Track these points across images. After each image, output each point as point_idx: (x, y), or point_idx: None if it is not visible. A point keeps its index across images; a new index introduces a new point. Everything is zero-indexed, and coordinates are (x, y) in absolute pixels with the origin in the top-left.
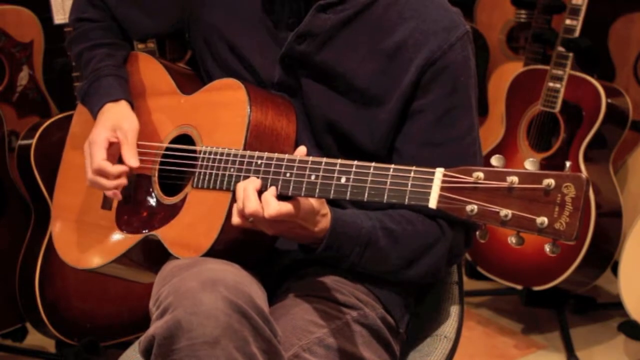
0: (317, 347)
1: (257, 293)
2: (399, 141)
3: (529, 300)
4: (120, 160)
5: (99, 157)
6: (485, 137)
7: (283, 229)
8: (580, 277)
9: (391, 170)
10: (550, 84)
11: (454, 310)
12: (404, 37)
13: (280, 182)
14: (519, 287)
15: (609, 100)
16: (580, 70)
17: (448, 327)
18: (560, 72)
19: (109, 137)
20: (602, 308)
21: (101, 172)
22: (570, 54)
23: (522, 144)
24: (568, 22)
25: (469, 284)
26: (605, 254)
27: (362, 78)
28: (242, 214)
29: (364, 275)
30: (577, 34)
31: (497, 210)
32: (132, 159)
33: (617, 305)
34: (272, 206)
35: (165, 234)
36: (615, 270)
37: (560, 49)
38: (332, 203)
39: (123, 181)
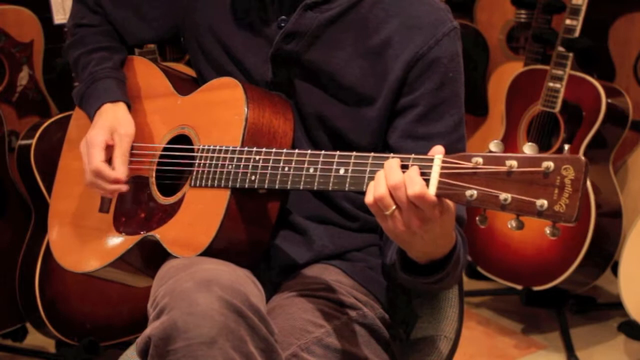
0: (316, 347)
1: (253, 292)
2: (389, 137)
3: (529, 300)
4: None
5: (97, 158)
6: (485, 137)
7: (414, 224)
8: (580, 277)
9: (390, 159)
10: (550, 84)
11: (454, 310)
12: (390, 34)
13: (278, 177)
14: (519, 287)
15: (609, 100)
16: (580, 70)
17: (448, 327)
18: (560, 72)
19: (106, 139)
20: (602, 308)
21: (99, 175)
22: (570, 54)
23: (522, 144)
24: (568, 22)
25: (469, 284)
26: (605, 254)
27: (349, 77)
28: (377, 189)
29: (363, 275)
30: (577, 34)
31: (497, 194)
32: (121, 167)
33: (617, 305)
34: (418, 183)
35: (163, 233)
36: (615, 270)
37: (560, 49)
38: (322, 200)
39: (123, 187)
